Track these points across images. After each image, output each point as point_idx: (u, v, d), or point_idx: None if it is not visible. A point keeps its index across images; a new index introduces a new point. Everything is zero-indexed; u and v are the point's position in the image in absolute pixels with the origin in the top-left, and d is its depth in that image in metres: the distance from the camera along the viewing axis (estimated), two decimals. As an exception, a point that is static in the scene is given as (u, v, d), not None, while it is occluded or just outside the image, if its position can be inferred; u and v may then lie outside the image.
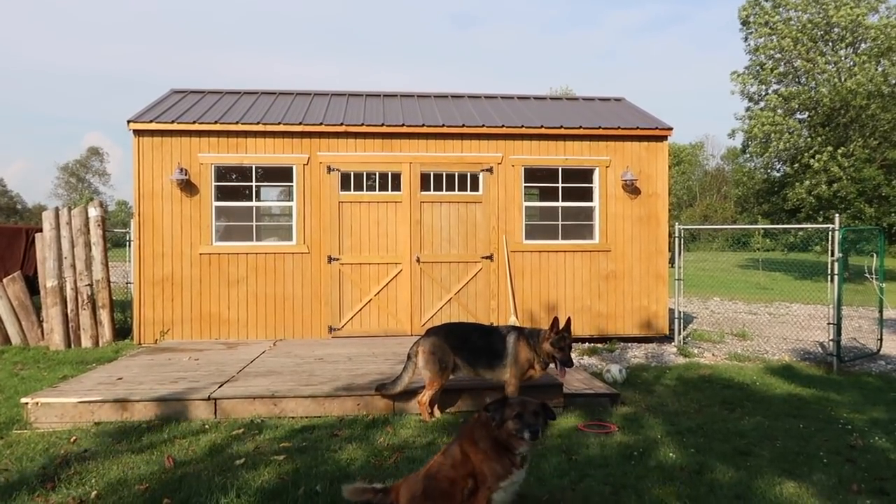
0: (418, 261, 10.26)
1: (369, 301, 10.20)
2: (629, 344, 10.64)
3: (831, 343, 9.50)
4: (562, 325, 5.87)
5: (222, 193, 10.33)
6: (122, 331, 10.95)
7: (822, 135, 28.68)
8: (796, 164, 29.35)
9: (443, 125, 10.40)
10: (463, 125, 10.43)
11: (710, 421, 6.27)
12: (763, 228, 28.47)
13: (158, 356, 8.37)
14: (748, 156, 34.94)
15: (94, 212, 10.57)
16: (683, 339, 10.93)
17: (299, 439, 5.45)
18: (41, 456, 5.07)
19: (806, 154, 28.46)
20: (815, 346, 10.95)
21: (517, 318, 10.33)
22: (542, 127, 10.52)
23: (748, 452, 5.29)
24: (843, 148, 27.78)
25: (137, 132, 9.95)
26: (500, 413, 3.65)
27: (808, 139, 28.99)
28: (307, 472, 4.62)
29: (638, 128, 10.71)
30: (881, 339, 10.37)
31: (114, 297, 10.71)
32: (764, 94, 32.89)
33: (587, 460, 4.99)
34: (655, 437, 5.65)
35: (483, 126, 10.44)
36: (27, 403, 6.06)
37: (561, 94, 13.54)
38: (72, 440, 5.47)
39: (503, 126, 10.46)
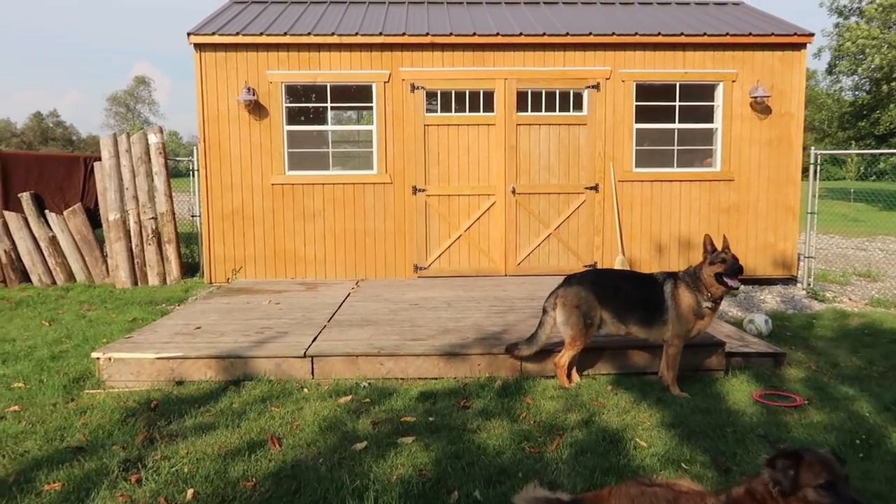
0: (514, 192, 9.06)
1: (459, 237, 9.10)
2: (752, 287, 9.36)
3: None
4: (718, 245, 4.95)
5: (293, 116, 9.20)
6: (189, 267, 10.17)
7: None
8: (893, 83, 26.73)
9: (543, 34, 8.96)
10: (567, 34, 8.97)
11: (913, 391, 5.07)
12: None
13: (235, 298, 7.50)
14: (835, 77, 32.19)
15: (154, 138, 9.63)
16: (810, 282, 9.60)
17: (422, 412, 4.46)
18: (119, 429, 4.21)
19: (907, 72, 25.85)
20: (964, 289, 9.51)
21: (625, 256, 9.14)
22: (659, 35, 8.99)
23: None
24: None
25: (199, 46, 8.83)
26: (792, 477, 2.44)
27: (911, 55, 26.23)
28: (450, 464, 3.62)
29: (773, 34, 9.07)
30: None
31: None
32: (855, 6, 29.92)
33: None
34: (863, 415, 4.50)
35: (590, 34, 8.96)
36: (98, 359, 5.25)
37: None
38: (152, 406, 4.62)
39: (613, 34, 8.97)
